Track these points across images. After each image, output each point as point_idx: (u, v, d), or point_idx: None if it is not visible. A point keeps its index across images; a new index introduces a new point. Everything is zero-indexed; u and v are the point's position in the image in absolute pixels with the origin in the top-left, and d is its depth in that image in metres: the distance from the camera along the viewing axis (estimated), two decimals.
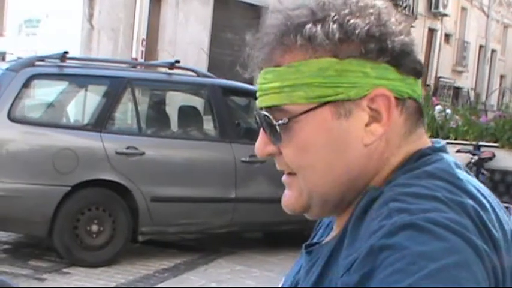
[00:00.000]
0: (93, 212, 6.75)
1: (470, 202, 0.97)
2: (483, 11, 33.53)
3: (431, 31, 29.51)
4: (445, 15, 29.48)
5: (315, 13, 1.09)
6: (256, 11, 19.53)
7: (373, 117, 1.08)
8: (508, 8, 35.79)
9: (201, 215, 7.25)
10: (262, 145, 1.14)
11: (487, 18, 33.78)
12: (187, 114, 7.98)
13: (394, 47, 1.08)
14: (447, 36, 31.03)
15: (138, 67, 8.94)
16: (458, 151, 6.75)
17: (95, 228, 6.72)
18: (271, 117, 1.10)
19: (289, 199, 1.14)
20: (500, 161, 6.78)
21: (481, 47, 34.44)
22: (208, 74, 8.13)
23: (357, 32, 1.06)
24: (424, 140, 1.13)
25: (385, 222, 0.93)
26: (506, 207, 6.71)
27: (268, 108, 1.11)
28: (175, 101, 8.31)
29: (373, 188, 1.06)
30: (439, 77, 29.35)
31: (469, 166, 6.65)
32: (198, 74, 7.85)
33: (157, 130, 7.59)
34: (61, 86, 7.47)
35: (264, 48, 1.12)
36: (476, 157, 6.70)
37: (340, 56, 1.07)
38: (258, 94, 1.13)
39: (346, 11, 1.08)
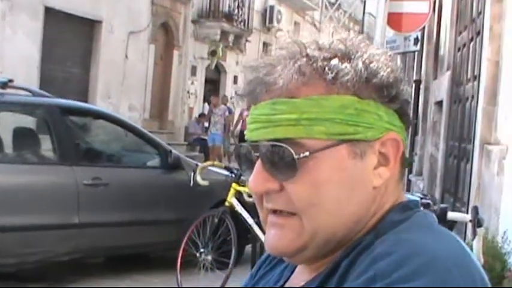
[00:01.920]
0: None
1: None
2: (315, 25, 34.59)
3: (266, 45, 30.02)
4: (279, 29, 30.12)
5: (340, 49, 1.07)
6: (90, 25, 19.02)
7: (379, 162, 1.08)
8: (338, 23, 37.08)
9: (42, 244, 6.78)
10: (261, 181, 1.07)
11: (318, 33, 34.85)
12: (23, 136, 7.46)
13: (403, 96, 1.10)
14: None
15: None
16: None
17: None
18: (291, 150, 1.03)
19: (281, 240, 1.08)
20: None
21: None
22: (44, 93, 7.65)
23: (379, 75, 1.06)
24: (402, 192, 1.14)
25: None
26: None
27: (277, 141, 1.05)
28: (8, 122, 7.77)
29: (365, 239, 1.04)
30: None
31: None
32: (34, 94, 7.38)
33: None
34: None
35: (274, 78, 1.06)
36: None
37: (361, 96, 1.06)
38: (259, 125, 1.07)
39: (369, 53, 1.08)
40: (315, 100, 1.04)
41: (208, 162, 7.74)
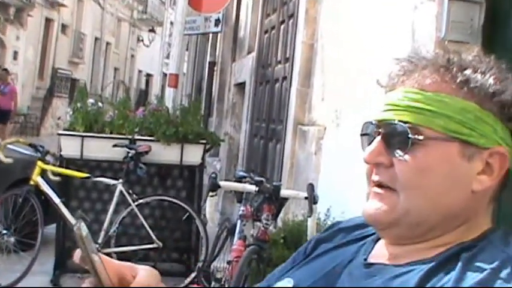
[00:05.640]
0: None
1: None
2: (99, 3, 33.83)
3: (49, 21, 28.94)
4: (62, 5, 29.16)
5: (475, 63, 1.22)
6: None
7: (484, 170, 1.19)
8: (122, 1, 36.56)
9: None
10: (375, 153, 1.22)
11: (102, 10, 34.17)
12: None
13: None
14: (64, 27, 30.71)
15: None
16: (115, 145, 6.52)
17: None
18: (408, 130, 1.18)
19: (377, 210, 1.21)
20: (156, 154, 6.72)
21: (96, 39, 34.75)
22: None
23: (506, 93, 1.19)
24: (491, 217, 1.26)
25: None
26: (166, 200, 6.69)
27: (402, 123, 1.19)
28: None
29: (479, 244, 1.17)
30: (57, 69, 28.92)
31: (126, 161, 6.47)
32: None
33: None
34: None
35: (413, 71, 1.23)
36: (133, 151, 6.53)
37: (483, 107, 1.19)
38: (389, 107, 1.22)
39: (501, 74, 1.22)
40: (441, 97, 1.19)
41: (12, 139, 7.30)
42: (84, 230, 1.01)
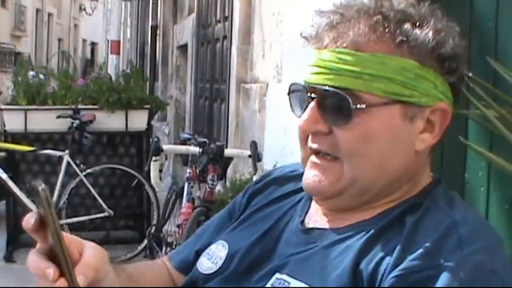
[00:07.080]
0: None
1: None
2: None
3: None
4: None
5: (413, 15, 1.14)
6: None
7: (425, 128, 1.15)
8: None
9: None
10: (311, 121, 1.14)
11: None
12: None
13: (462, 71, 1.17)
14: (3, 0, 30.03)
15: None
16: (58, 117, 6.45)
17: None
18: (349, 99, 1.10)
19: (321, 182, 1.15)
20: (101, 122, 6.67)
21: (38, 10, 34.08)
22: None
23: (445, 47, 1.13)
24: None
25: (463, 251, 1.03)
26: (114, 168, 6.65)
27: (338, 89, 1.11)
28: None
29: (425, 202, 1.14)
30: (0, 43, 28.34)
31: (71, 131, 6.41)
32: None
33: None
34: None
35: (344, 28, 1.12)
36: (77, 121, 6.47)
37: (424, 63, 1.12)
38: (321, 70, 1.12)
39: (439, 24, 1.14)
40: (379, 58, 1.11)
41: None
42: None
